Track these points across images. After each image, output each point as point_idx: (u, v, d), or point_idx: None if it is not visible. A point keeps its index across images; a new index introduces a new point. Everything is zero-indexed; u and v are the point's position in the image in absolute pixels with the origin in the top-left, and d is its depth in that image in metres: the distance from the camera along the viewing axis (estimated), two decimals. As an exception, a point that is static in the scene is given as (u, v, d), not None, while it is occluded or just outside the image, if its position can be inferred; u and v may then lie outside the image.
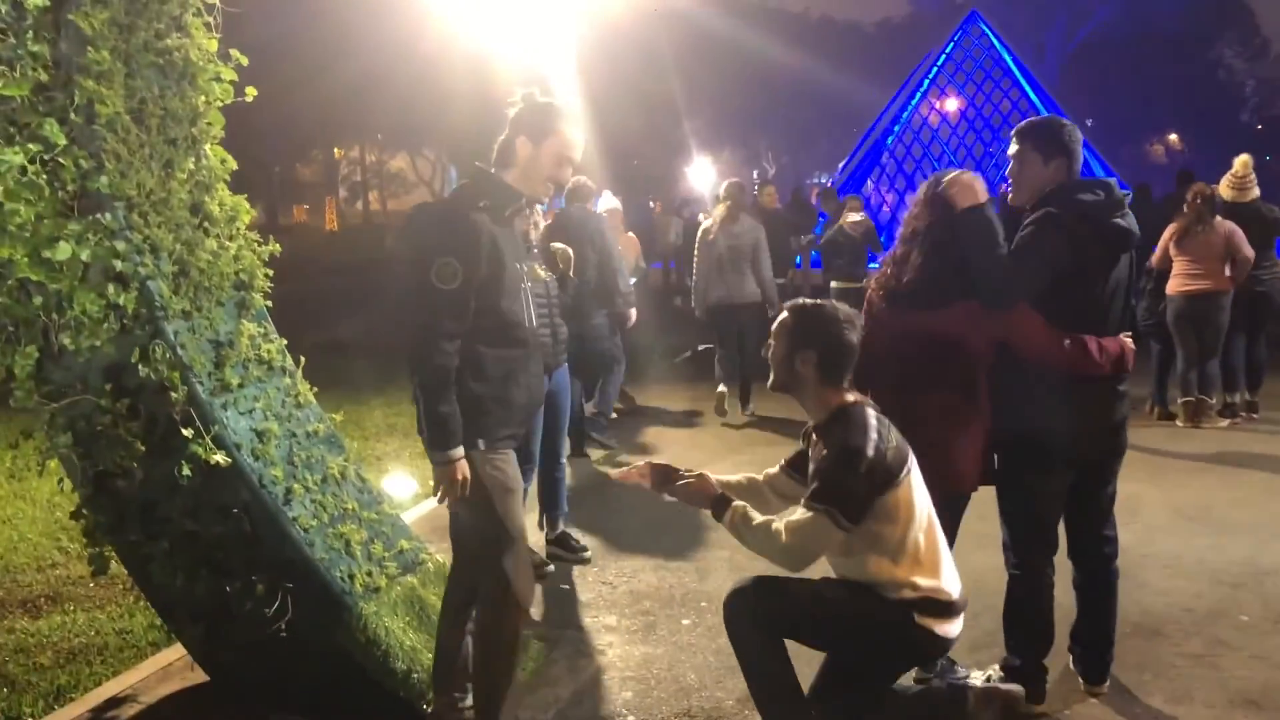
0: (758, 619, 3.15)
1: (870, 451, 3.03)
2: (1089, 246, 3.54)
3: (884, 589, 3.13)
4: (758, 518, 3.18)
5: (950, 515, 3.59)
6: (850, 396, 3.24)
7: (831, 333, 3.21)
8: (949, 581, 3.19)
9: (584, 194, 8.08)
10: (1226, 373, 8.31)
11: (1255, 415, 8.34)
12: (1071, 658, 3.90)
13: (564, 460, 5.51)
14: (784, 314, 3.33)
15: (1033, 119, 3.88)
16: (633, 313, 8.08)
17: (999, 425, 3.66)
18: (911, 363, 3.56)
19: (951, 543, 3.53)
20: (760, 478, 3.53)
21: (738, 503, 3.23)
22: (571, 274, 5.42)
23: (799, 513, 3.09)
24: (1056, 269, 3.50)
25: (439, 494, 3.24)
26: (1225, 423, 8.17)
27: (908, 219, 3.78)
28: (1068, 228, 3.51)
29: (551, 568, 5.24)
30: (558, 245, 5.42)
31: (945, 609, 3.15)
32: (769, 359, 3.33)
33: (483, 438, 3.27)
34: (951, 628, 3.18)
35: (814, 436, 3.30)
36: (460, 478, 3.19)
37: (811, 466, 3.20)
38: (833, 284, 10.25)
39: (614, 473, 3.60)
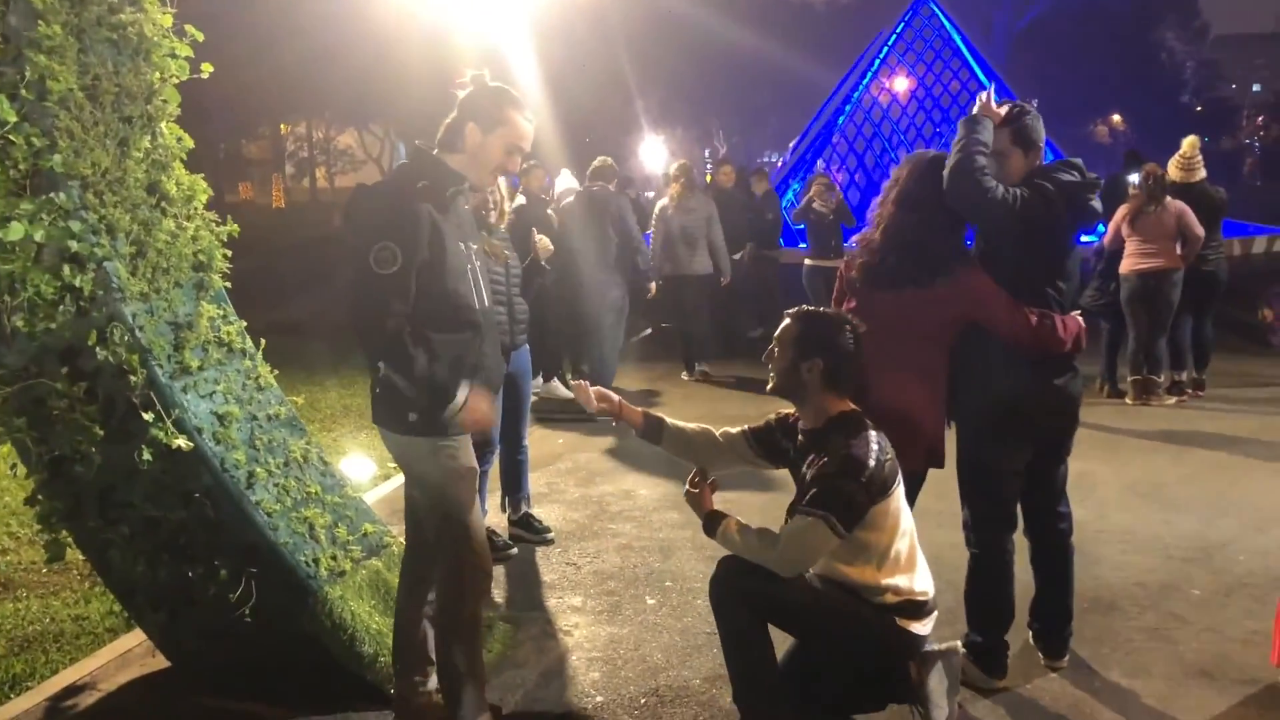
0: (747, 598, 3.18)
1: (872, 463, 3.09)
2: (1065, 228, 3.61)
3: (866, 593, 3.18)
4: (750, 526, 3.22)
5: (906, 494, 3.64)
6: (849, 405, 3.28)
7: (839, 342, 3.24)
8: (923, 582, 3.27)
9: (605, 174, 8.64)
10: (1174, 351, 8.46)
11: (1201, 393, 8.51)
12: (1031, 633, 3.97)
13: (526, 443, 5.49)
14: (789, 321, 3.33)
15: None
16: (653, 285, 8.97)
17: (960, 404, 3.71)
18: (874, 341, 3.58)
19: None
20: (717, 432, 3.57)
21: (730, 517, 3.27)
22: (546, 264, 5.41)
23: (795, 519, 3.13)
24: (1031, 228, 3.53)
25: (466, 425, 3.22)
26: (1173, 400, 8.33)
27: (879, 202, 3.80)
28: (1056, 204, 3.55)
29: (515, 550, 5.23)
30: (541, 237, 5.44)
31: (921, 608, 3.24)
32: (769, 364, 3.35)
33: (434, 428, 3.19)
34: (926, 626, 3.27)
35: (801, 438, 3.33)
36: (481, 410, 3.21)
37: (806, 472, 3.23)
38: (806, 262, 10.29)
39: (573, 382, 3.66)
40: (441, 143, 3.27)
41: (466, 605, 3.33)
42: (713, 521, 3.27)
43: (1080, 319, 3.70)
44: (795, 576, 3.16)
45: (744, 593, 3.17)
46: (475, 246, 3.37)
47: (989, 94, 3.70)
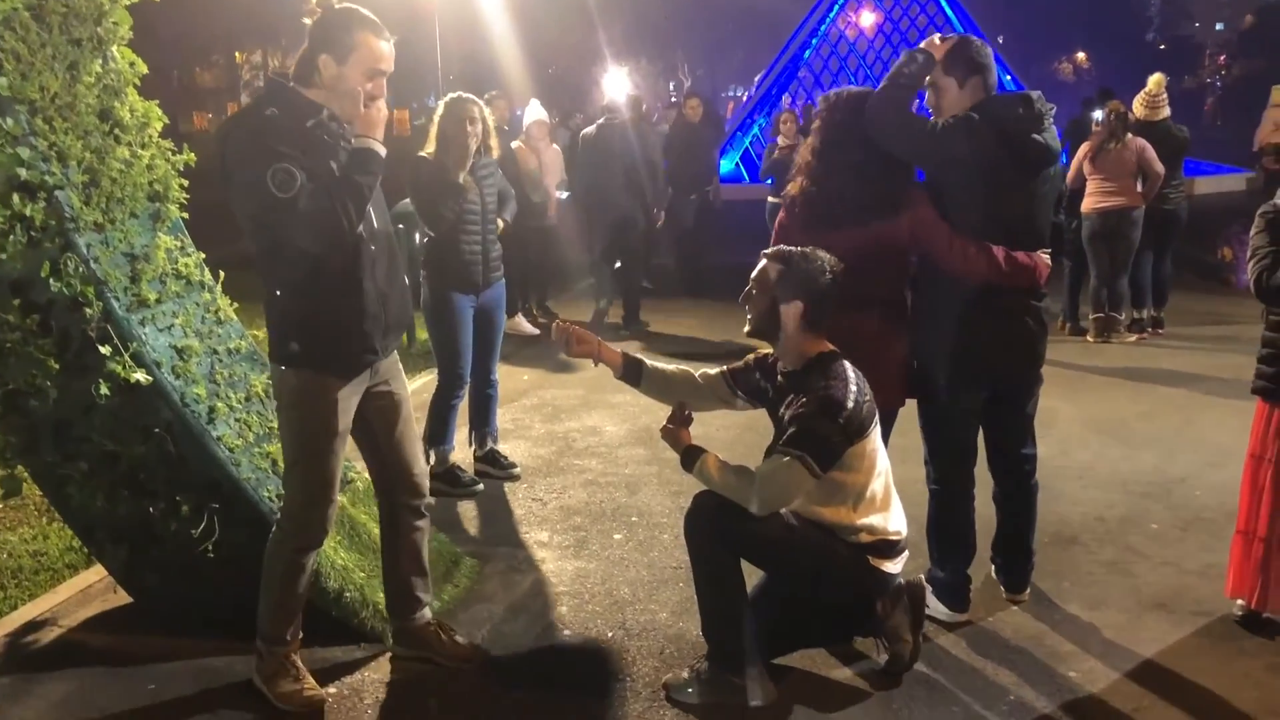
0: (721, 532, 3.19)
1: (850, 404, 3.08)
2: (1004, 164, 3.51)
3: (841, 532, 3.20)
4: (728, 464, 3.21)
5: (881, 431, 3.67)
6: (827, 345, 3.25)
7: (819, 283, 3.20)
8: (897, 522, 3.29)
9: (614, 107, 9.41)
10: (1134, 289, 8.52)
11: (1161, 330, 8.60)
12: (993, 567, 4.02)
13: (495, 377, 5.45)
14: (767, 262, 3.28)
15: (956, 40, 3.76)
16: (661, 214, 9.81)
17: (916, 342, 3.71)
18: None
19: None
20: (696, 373, 3.55)
21: (708, 453, 3.25)
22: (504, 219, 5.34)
23: (772, 458, 3.12)
24: (954, 160, 3.50)
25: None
26: (1133, 338, 8.41)
27: (808, 149, 3.74)
28: (979, 137, 3.48)
29: (481, 486, 5.21)
30: (501, 222, 5.35)
31: (893, 548, 3.28)
32: (747, 306, 3.30)
33: (313, 361, 3.09)
34: (897, 564, 3.31)
35: (780, 379, 3.31)
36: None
37: (785, 413, 3.21)
38: (770, 199, 10.22)
39: (555, 324, 3.57)
40: (297, 77, 3.06)
41: (280, 557, 3.26)
42: (690, 456, 3.26)
43: (1044, 255, 3.65)
44: (772, 517, 3.16)
45: (718, 527, 3.18)
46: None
47: (940, 37, 3.67)
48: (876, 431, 3.21)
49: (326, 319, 3.10)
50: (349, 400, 3.21)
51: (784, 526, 3.19)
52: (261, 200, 2.90)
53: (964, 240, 3.50)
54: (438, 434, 5.18)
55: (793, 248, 3.31)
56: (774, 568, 3.35)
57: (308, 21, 3.07)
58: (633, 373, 3.52)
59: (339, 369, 3.15)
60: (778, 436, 3.19)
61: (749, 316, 3.31)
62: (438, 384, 5.19)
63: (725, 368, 3.52)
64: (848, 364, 3.20)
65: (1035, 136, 3.54)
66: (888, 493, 3.27)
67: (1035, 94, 3.63)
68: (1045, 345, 3.78)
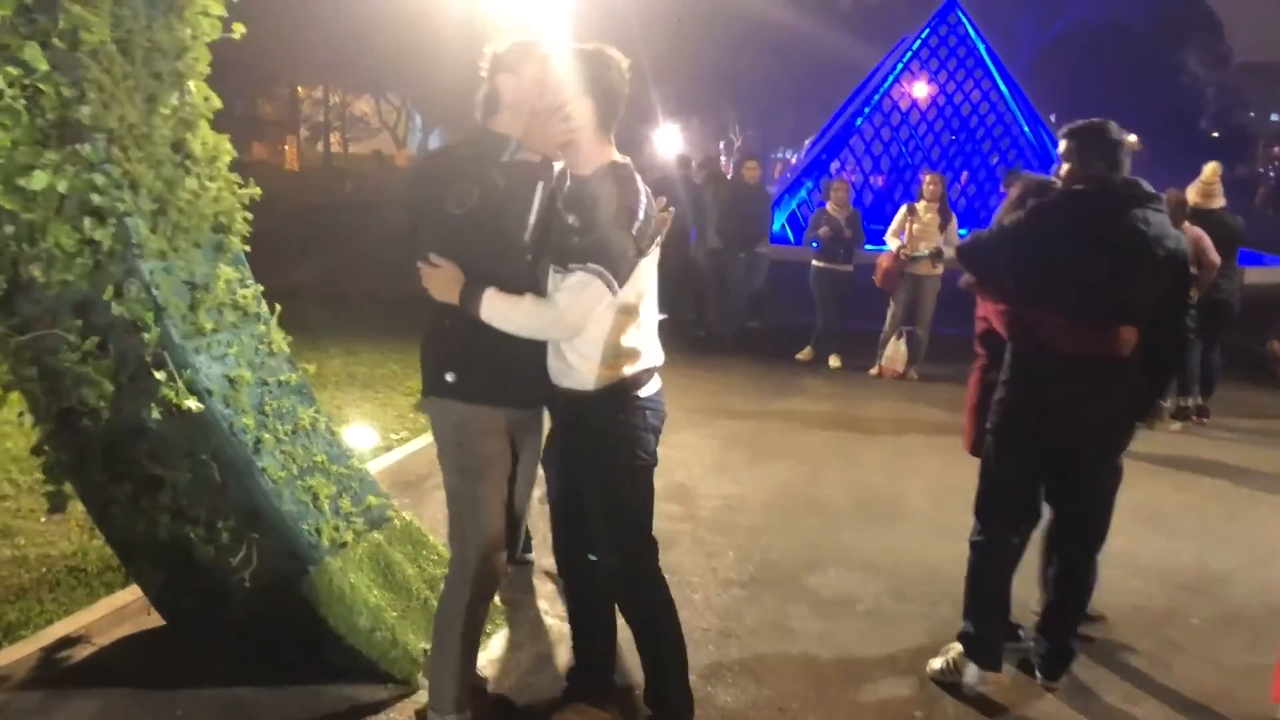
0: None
1: (640, 215, 2.94)
2: (1061, 239, 3.59)
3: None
4: (516, 296, 2.99)
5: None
6: (618, 155, 3.08)
7: (608, 78, 3.03)
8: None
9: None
10: (1182, 377, 8.43)
11: (1206, 420, 8.48)
12: (1032, 650, 3.95)
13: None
14: (546, 58, 3.07)
15: (1078, 123, 3.90)
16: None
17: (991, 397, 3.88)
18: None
19: None
20: None
21: (486, 287, 2.98)
22: None
23: (571, 277, 2.94)
24: (1018, 243, 3.70)
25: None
26: (1178, 426, 8.30)
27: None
28: (1045, 215, 3.71)
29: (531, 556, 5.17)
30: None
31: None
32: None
33: (465, 394, 3.08)
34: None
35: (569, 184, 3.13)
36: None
37: (573, 219, 3.00)
38: (814, 264, 10.16)
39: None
40: (484, 111, 3.14)
41: (462, 604, 3.18)
42: (471, 293, 2.98)
43: (1127, 330, 3.62)
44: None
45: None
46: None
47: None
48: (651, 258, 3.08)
49: (506, 349, 3.03)
50: (498, 435, 3.15)
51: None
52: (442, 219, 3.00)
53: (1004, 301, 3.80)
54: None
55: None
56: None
57: (484, 65, 3.14)
58: None
59: (504, 401, 3.13)
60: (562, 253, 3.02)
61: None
62: None
63: None
64: (637, 175, 3.04)
65: (1117, 220, 3.57)
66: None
67: (1125, 179, 3.67)
68: (1118, 424, 3.78)
